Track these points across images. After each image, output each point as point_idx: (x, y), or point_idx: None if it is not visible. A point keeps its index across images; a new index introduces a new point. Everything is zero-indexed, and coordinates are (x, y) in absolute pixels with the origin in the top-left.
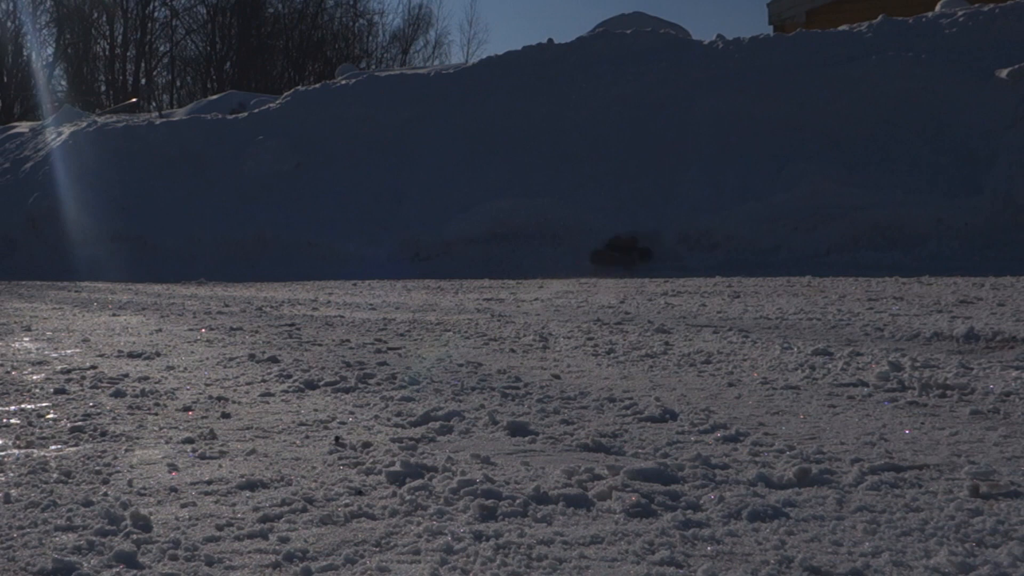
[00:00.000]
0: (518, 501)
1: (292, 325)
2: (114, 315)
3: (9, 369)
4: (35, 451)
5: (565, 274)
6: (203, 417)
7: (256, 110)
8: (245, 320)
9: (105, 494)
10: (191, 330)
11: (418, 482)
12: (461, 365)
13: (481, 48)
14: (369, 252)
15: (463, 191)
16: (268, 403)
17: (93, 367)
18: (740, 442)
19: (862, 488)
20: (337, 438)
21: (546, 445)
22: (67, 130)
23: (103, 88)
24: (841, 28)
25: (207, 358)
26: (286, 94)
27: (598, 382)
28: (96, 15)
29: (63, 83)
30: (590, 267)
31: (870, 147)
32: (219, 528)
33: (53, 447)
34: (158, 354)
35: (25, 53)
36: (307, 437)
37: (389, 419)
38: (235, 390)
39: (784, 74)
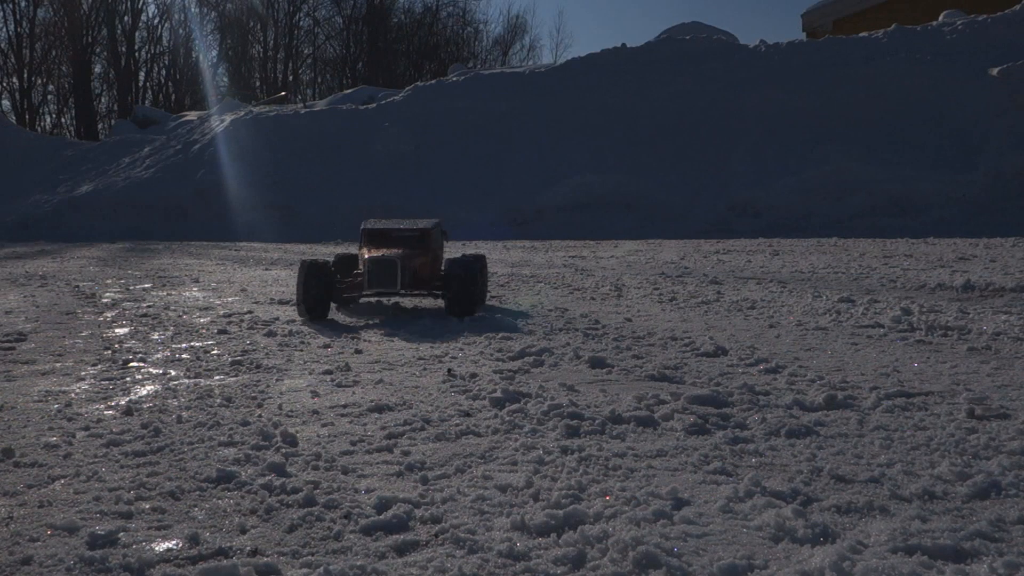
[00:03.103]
0: (597, 421)
1: None
2: (267, 270)
3: (181, 313)
4: (202, 380)
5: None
6: (340, 353)
7: (383, 102)
8: None
9: (259, 416)
10: None
11: (515, 406)
12: (551, 310)
13: (567, 51)
14: (476, 217)
15: (552, 168)
16: (393, 341)
17: (250, 312)
18: (779, 373)
19: (879, 411)
20: (449, 370)
21: (620, 375)
22: (228, 118)
23: (258, 84)
24: (861, 35)
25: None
26: (407, 88)
27: (663, 324)
28: (252, 24)
29: (225, 79)
30: None
31: (885, 132)
32: (353, 444)
33: (217, 377)
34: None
35: (194, 55)
36: (424, 369)
37: (492, 355)
38: (366, 330)
39: (815, 72)
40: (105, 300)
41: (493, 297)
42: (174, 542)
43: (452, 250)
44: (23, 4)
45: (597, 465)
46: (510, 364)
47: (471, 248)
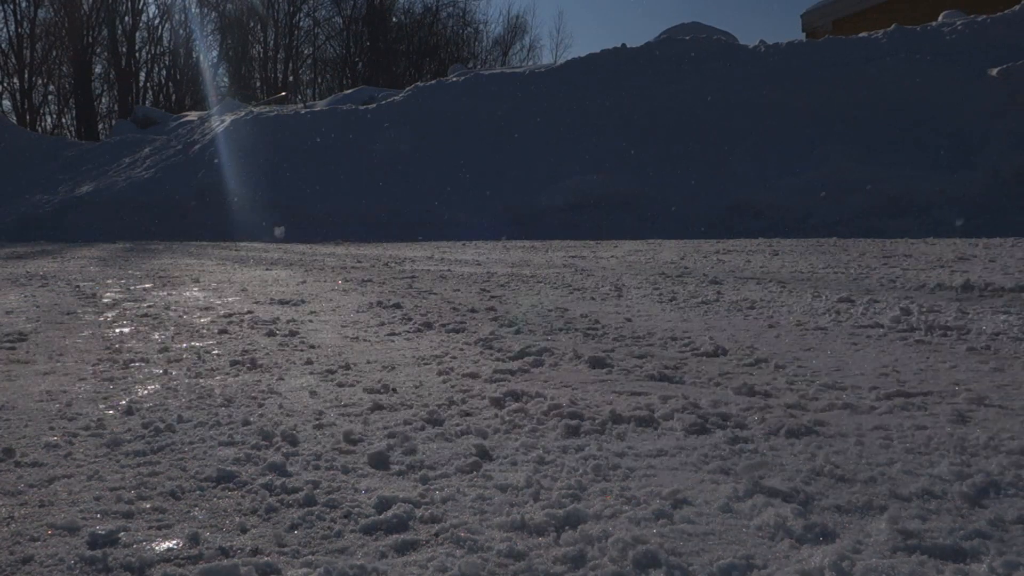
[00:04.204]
0: (597, 421)
1: (412, 278)
2: (267, 270)
3: (182, 314)
4: (203, 380)
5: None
6: (340, 353)
7: (383, 102)
8: (374, 274)
9: (260, 415)
10: (330, 282)
11: (516, 405)
12: (551, 310)
13: (567, 51)
14: (475, 218)
15: (552, 168)
16: (393, 341)
17: (250, 312)
18: (778, 373)
19: (878, 411)
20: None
21: (620, 375)
22: (228, 118)
23: (258, 84)
24: (861, 35)
25: (343, 304)
26: (408, 89)
27: (663, 324)
28: (252, 24)
29: (225, 80)
30: None
31: (885, 132)
32: (353, 443)
33: (217, 377)
34: (303, 301)
35: (194, 55)
36: (425, 369)
37: (492, 354)
38: (366, 331)
39: (814, 73)
40: (106, 300)
41: (493, 297)
42: (175, 542)
43: (454, 251)
44: (23, 4)
45: (597, 464)
46: (510, 364)
47: (471, 248)
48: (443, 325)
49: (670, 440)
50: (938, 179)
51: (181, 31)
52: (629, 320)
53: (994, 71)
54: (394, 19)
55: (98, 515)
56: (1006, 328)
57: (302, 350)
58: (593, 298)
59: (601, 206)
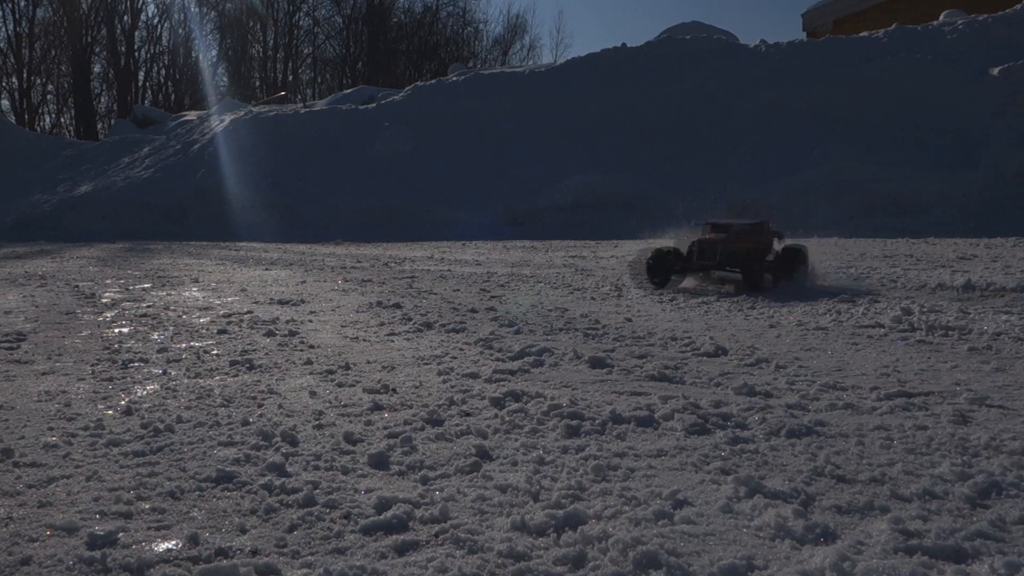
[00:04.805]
0: (597, 421)
1: (412, 278)
2: (266, 269)
3: (181, 313)
4: (202, 380)
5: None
6: (340, 353)
7: (383, 101)
8: (374, 273)
9: (260, 416)
10: (330, 282)
11: (516, 405)
12: (551, 310)
13: (567, 51)
14: (475, 218)
15: (552, 168)
16: (393, 341)
17: (249, 312)
18: (779, 373)
19: (879, 411)
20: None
21: (620, 375)
22: (228, 118)
23: (257, 83)
24: (862, 34)
25: (343, 304)
26: (407, 88)
27: (663, 324)
28: (252, 23)
29: (224, 79)
30: None
31: (885, 132)
32: (353, 443)
33: (217, 377)
34: (303, 301)
35: (194, 55)
36: (425, 369)
37: (492, 355)
38: (366, 331)
39: (815, 72)
40: (105, 300)
41: (493, 297)
42: (174, 542)
43: (454, 251)
44: (23, 4)
45: (597, 465)
46: (510, 364)
47: (472, 248)
48: (443, 325)
49: (670, 440)
50: (939, 179)
51: (180, 30)
52: (629, 320)
53: (995, 71)
54: (394, 19)
55: (97, 516)
56: (1008, 328)
57: (302, 350)
58: (593, 298)
59: (601, 206)
